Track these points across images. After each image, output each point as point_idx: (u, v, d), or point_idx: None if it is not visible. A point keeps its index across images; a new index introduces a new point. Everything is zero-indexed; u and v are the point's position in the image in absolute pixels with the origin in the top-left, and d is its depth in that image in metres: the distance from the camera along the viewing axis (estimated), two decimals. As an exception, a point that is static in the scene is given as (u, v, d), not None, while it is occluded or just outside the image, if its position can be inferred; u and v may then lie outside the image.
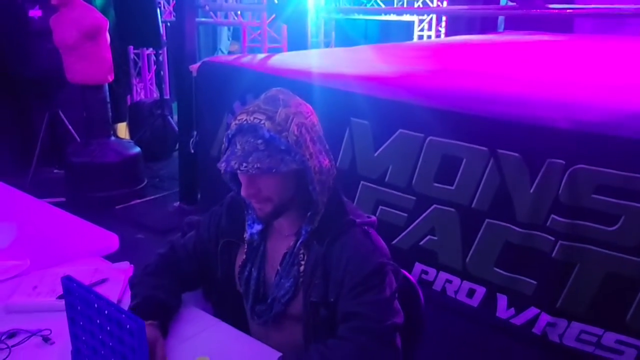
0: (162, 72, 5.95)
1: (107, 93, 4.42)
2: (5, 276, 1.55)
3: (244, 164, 1.17)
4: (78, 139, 4.79)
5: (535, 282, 2.50)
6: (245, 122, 1.20)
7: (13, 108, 4.89)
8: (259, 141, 1.18)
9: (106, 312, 0.95)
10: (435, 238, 2.77)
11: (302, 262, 1.27)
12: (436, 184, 2.72)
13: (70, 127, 4.83)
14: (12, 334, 1.28)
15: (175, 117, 5.54)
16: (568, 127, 2.31)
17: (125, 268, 1.58)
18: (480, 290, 2.69)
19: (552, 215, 2.39)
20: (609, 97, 2.24)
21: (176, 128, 5.35)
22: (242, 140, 1.20)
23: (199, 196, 4.17)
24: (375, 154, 2.89)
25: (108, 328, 0.96)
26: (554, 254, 2.40)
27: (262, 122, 1.18)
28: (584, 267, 2.34)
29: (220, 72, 3.75)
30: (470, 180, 2.61)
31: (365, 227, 1.28)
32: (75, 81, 4.16)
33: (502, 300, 2.63)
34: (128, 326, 0.91)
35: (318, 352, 1.14)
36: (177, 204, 4.23)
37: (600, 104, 2.25)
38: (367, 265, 1.22)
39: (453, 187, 2.67)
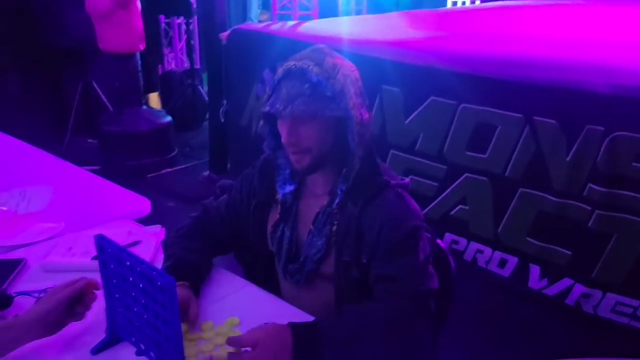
0: (192, 42, 5.95)
1: (139, 62, 4.44)
2: (41, 237, 1.58)
3: (290, 106, 1.17)
4: (111, 109, 4.85)
5: (569, 253, 2.45)
6: (293, 66, 1.20)
7: (47, 78, 4.96)
8: (306, 85, 1.18)
9: (138, 269, 0.96)
10: (467, 207, 2.73)
11: (335, 222, 1.26)
12: (468, 152, 2.67)
13: (103, 96, 4.89)
14: (47, 292, 1.31)
15: (206, 86, 5.55)
16: (608, 92, 2.22)
17: (158, 231, 1.60)
18: (512, 261, 2.66)
19: (590, 184, 2.32)
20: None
21: (206, 98, 5.37)
22: (288, 85, 1.19)
23: (228, 165, 4.20)
24: (406, 122, 2.85)
25: (140, 286, 0.97)
26: (590, 224, 2.34)
27: (311, 67, 1.18)
28: (621, 237, 2.28)
29: (250, 40, 3.73)
30: (504, 148, 2.55)
31: (400, 190, 1.26)
32: (107, 49, 4.19)
33: (534, 270, 2.59)
34: (159, 283, 0.91)
35: (353, 314, 1.13)
36: (206, 172, 4.26)
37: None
38: (402, 228, 1.20)
39: (486, 156, 2.62)
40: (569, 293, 2.48)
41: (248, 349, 1.03)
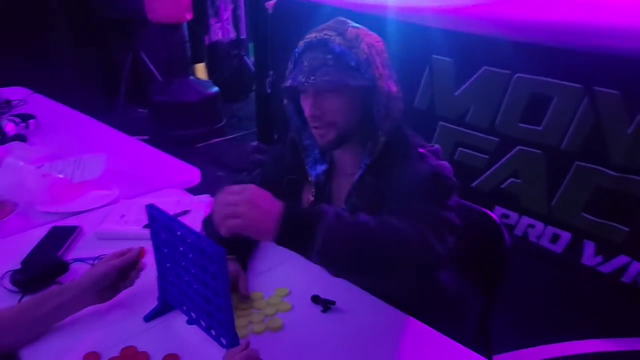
0: (238, 12, 5.93)
1: (186, 32, 4.46)
2: (97, 204, 1.62)
3: (312, 77, 1.12)
4: (160, 79, 4.91)
5: (627, 229, 2.35)
6: (314, 38, 1.15)
7: (98, 49, 5.06)
8: (329, 56, 1.13)
9: (188, 239, 0.97)
10: (519, 181, 2.65)
11: (359, 195, 1.22)
12: (522, 124, 2.58)
13: (151, 66, 4.96)
14: (101, 259, 1.34)
15: (252, 57, 5.54)
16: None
17: (207, 201, 1.61)
18: (565, 236, 2.58)
19: (652, 158, 2.21)
20: None
21: (253, 68, 5.36)
22: (310, 57, 1.15)
23: (275, 135, 4.20)
24: (456, 93, 2.77)
25: (190, 255, 0.98)
26: (651, 200, 2.24)
27: (332, 37, 1.13)
28: (685, 214, 2.16)
29: (296, 9, 3.67)
30: (560, 120, 2.45)
31: (426, 154, 1.18)
32: (156, 19, 4.23)
33: (589, 246, 2.51)
34: (209, 253, 0.91)
35: (374, 219, 0.97)
36: (255, 143, 4.28)
37: None
38: (421, 169, 1.11)
39: (541, 128, 2.52)
40: (625, 271, 2.39)
41: None
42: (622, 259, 2.39)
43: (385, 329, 1.10)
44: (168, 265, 1.08)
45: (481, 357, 1.02)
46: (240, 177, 1.53)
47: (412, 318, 1.12)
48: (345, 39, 1.13)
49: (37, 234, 1.45)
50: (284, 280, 1.25)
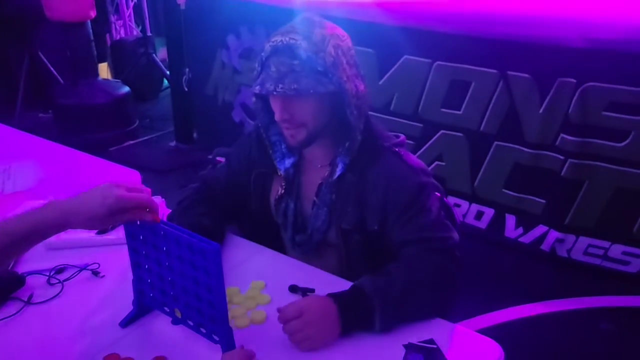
0: (141, 9, 5.71)
1: (90, 31, 4.24)
2: (35, 215, 1.52)
3: (280, 86, 1.13)
4: (61, 81, 4.63)
5: (544, 201, 2.56)
6: (280, 42, 1.16)
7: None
8: (295, 62, 1.14)
9: (175, 238, 0.95)
10: (443, 163, 2.79)
11: (334, 192, 1.26)
12: (444, 110, 2.72)
13: (52, 68, 4.65)
14: (60, 270, 1.27)
15: (159, 54, 5.36)
16: (579, 45, 2.30)
17: (159, 202, 1.56)
18: (489, 212, 2.76)
19: (562, 135, 2.42)
20: (620, 13, 2.22)
21: (162, 66, 5.19)
22: (277, 62, 1.15)
23: (194, 135, 4.11)
24: (380, 82, 2.86)
25: (177, 254, 0.96)
26: (563, 173, 2.45)
27: (299, 42, 1.14)
28: (593, 183, 2.40)
29: (210, 4, 3.61)
30: (478, 104, 2.62)
31: (396, 149, 1.26)
32: (56, 18, 3.97)
33: (510, 220, 2.70)
34: (202, 250, 0.90)
35: (400, 270, 1.12)
36: (173, 143, 4.16)
37: (612, 21, 2.23)
38: (407, 188, 1.21)
39: (461, 112, 2.68)
40: (543, 239, 2.60)
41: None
42: (541, 229, 2.60)
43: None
44: (146, 267, 1.05)
45: (448, 322, 1.10)
46: (203, 172, 1.50)
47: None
48: (312, 43, 1.14)
49: (-23, 250, 1.34)
50: (257, 274, 1.25)
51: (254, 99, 1.30)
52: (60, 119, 4.21)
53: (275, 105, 1.20)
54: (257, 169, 1.36)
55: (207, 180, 1.45)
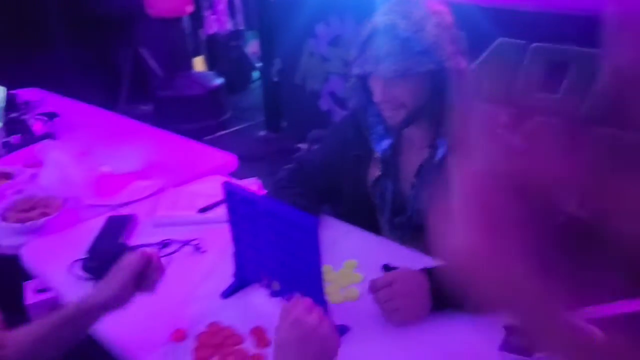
0: (234, 2, 5.89)
1: (186, 26, 4.44)
2: (142, 195, 1.63)
3: (380, 67, 1.14)
4: (160, 74, 4.89)
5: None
6: (379, 23, 1.16)
7: (96, 47, 5.02)
8: (395, 42, 1.14)
9: (273, 212, 0.99)
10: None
11: (439, 174, 1.25)
12: (540, 94, 2.61)
13: (151, 62, 4.93)
14: (165, 244, 1.36)
15: (249, 47, 5.52)
16: None
17: (255, 183, 1.62)
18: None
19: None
20: None
21: (252, 59, 5.35)
22: (376, 43, 1.16)
23: (283, 124, 4.21)
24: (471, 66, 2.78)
25: (275, 228, 1.00)
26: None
27: (398, 22, 1.14)
28: None
29: (300, -5, 3.67)
30: (578, 87, 2.48)
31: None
32: (156, 14, 4.20)
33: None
34: (301, 224, 0.93)
35: None
36: (262, 132, 4.29)
37: None
38: None
39: (558, 96, 2.55)
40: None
41: None
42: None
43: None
44: (246, 241, 1.10)
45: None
46: (298, 154, 1.55)
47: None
48: (411, 22, 1.14)
49: (94, 225, 1.46)
50: (349, 253, 1.27)
51: (352, 80, 1.31)
52: (159, 110, 4.46)
53: (375, 87, 1.21)
54: (353, 151, 1.38)
55: (302, 162, 1.48)
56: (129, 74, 4.87)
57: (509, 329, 0.98)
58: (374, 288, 1.04)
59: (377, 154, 1.33)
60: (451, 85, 1.17)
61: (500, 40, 2.65)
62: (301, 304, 0.86)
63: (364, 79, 1.26)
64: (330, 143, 1.46)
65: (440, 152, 1.24)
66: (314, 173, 1.44)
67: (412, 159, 1.31)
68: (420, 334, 1.02)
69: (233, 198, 1.08)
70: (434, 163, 1.25)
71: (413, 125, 1.25)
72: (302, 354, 0.81)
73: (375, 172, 1.35)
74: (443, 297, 1.03)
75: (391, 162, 1.33)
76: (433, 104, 1.22)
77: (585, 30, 2.40)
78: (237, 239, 1.12)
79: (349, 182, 1.41)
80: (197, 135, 4.33)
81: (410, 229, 1.32)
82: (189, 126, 4.32)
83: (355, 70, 1.21)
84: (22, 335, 0.93)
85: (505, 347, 0.94)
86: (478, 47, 2.74)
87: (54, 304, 1.87)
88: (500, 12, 2.61)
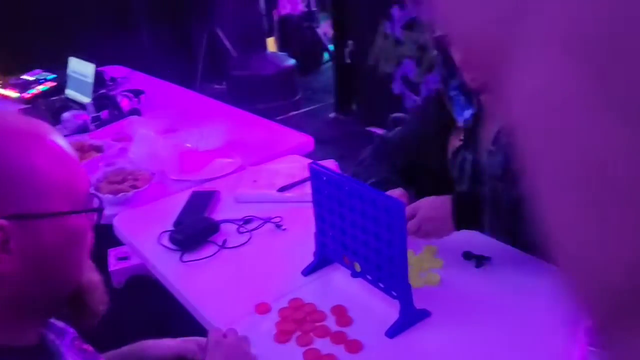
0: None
1: (262, 6, 4.50)
2: (223, 172, 1.69)
3: None
4: (234, 54, 4.98)
5: None
6: None
7: (175, 27, 5.17)
8: None
9: (360, 193, 1.00)
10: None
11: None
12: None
13: (226, 42, 5.03)
14: (247, 220, 1.41)
15: (321, 28, 5.53)
16: None
17: (333, 164, 1.64)
18: None
19: None
20: None
21: (324, 40, 5.35)
22: None
23: (354, 106, 4.21)
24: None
25: (360, 209, 1.01)
26: None
27: None
28: None
29: (376, -24, 3.64)
30: None
31: None
32: (233, -4, 4.28)
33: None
34: (387, 205, 0.94)
35: None
36: (332, 114, 4.31)
37: None
38: None
39: None
40: None
41: None
42: None
43: (538, 281, 1.10)
44: (329, 221, 1.12)
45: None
46: (380, 135, 1.56)
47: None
48: None
49: (179, 199, 1.53)
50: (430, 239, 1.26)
51: (435, 52, 1.33)
52: (233, 89, 4.56)
53: (454, 52, 1.21)
54: (434, 126, 1.39)
55: (385, 140, 1.50)
56: (205, 53, 4.99)
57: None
58: None
59: (460, 123, 1.33)
60: None
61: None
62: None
63: (446, 50, 1.26)
64: (412, 121, 1.47)
65: None
66: (396, 151, 1.45)
67: (491, 129, 1.29)
68: (500, 322, 1.01)
69: (318, 178, 1.10)
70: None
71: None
72: None
73: (454, 143, 1.36)
74: (463, 219, 1.15)
75: (472, 131, 1.33)
76: None
77: None
78: (320, 219, 1.14)
79: (428, 157, 1.42)
80: (269, 115, 4.39)
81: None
82: (261, 106, 4.40)
83: (438, 33, 1.21)
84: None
85: (594, 343, 0.92)
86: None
87: (133, 272, 1.98)
88: None
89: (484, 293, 1.09)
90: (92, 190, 0.76)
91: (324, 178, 1.08)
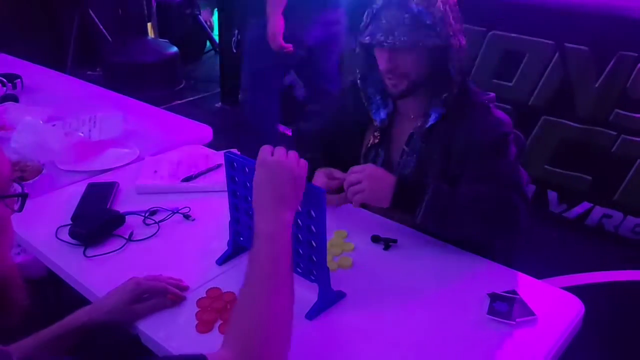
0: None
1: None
2: (120, 163, 1.62)
3: (390, 37, 1.20)
4: (110, 39, 4.72)
5: (589, 178, 2.58)
6: None
7: (42, 9, 4.76)
8: (406, 15, 1.21)
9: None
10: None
11: (425, 141, 1.32)
12: (495, 80, 2.73)
13: (101, 26, 4.74)
14: (153, 212, 1.37)
15: (202, 15, 5.40)
16: (642, 17, 2.28)
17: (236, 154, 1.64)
18: (530, 188, 2.78)
19: (617, 110, 2.43)
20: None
21: (207, 28, 5.24)
22: (388, 15, 1.22)
23: (239, 97, 4.18)
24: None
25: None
26: (614, 149, 2.47)
27: None
28: (646, 161, 2.41)
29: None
30: (531, 76, 2.62)
31: (487, 103, 1.31)
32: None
33: (552, 196, 2.73)
34: (309, 193, 0.97)
35: (466, 189, 1.21)
36: (219, 104, 4.25)
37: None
38: (491, 134, 1.26)
39: (511, 84, 2.69)
40: (588, 215, 2.63)
41: None
42: (585, 205, 2.63)
43: (440, 261, 1.21)
44: (244, 208, 1.13)
45: (526, 275, 1.16)
46: (297, 126, 1.58)
47: (463, 251, 1.24)
48: None
49: (73, 192, 1.45)
50: (339, 223, 1.32)
51: (357, 49, 1.37)
52: (110, 76, 4.32)
53: (381, 57, 1.27)
54: (352, 118, 1.44)
55: (301, 132, 1.52)
56: (76, 37, 4.66)
57: (494, 296, 1.07)
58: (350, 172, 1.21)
59: (376, 122, 1.39)
60: (451, 61, 1.24)
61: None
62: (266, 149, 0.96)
63: (369, 49, 1.32)
64: (329, 114, 1.50)
65: (431, 120, 1.31)
66: (312, 142, 1.48)
67: (405, 128, 1.37)
68: (411, 299, 1.09)
69: (234, 167, 1.10)
70: (424, 130, 1.32)
71: (411, 96, 1.32)
72: (273, 185, 0.92)
73: (370, 139, 1.41)
74: (400, 198, 1.20)
75: (387, 131, 1.40)
76: (433, 76, 1.29)
77: (540, 21, 2.54)
78: (234, 207, 1.15)
79: (344, 149, 1.45)
80: (150, 104, 4.25)
81: None
82: (141, 94, 4.21)
83: (365, 39, 1.26)
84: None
85: (491, 312, 1.03)
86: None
87: (29, 267, 1.83)
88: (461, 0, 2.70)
89: (393, 273, 1.17)
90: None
91: (240, 166, 1.09)
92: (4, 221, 0.65)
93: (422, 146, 1.33)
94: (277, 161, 0.94)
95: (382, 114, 1.38)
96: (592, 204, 2.61)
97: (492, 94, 1.36)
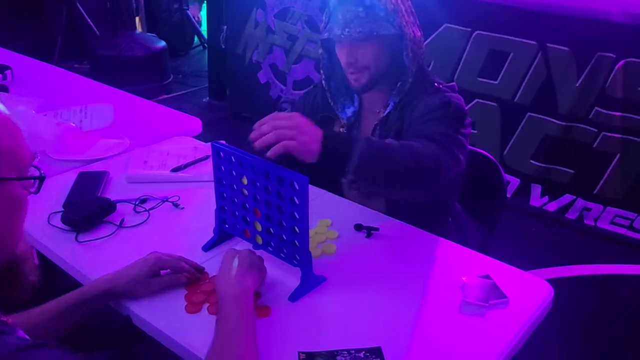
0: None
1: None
2: (110, 153, 1.65)
3: (347, 30, 1.28)
4: (97, 32, 4.72)
5: (572, 171, 2.66)
6: None
7: (29, 1, 4.75)
8: (360, 8, 1.28)
9: (263, 170, 1.06)
10: (475, 132, 2.88)
11: (383, 129, 1.38)
12: (480, 79, 2.80)
13: (89, 19, 4.74)
14: (143, 200, 1.41)
15: (190, 10, 5.41)
16: (621, 20, 2.36)
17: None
18: (515, 182, 2.86)
19: (597, 108, 2.50)
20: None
21: (195, 23, 5.26)
22: (343, 10, 1.29)
23: (227, 92, 4.21)
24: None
25: (263, 184, 1.07)
26: (595, 145, 2.54)
27: None
28: (625, 157, 2.48)
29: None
30: (515, 75, 2.69)
31: (440, 86, 1.36)
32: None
33: (535, 189, 2.81)
34: (291, 180, 1.02)
35: (397, 143, 1.18)
36: (206, 99, 4.27)
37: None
38: (435, 100, 1.30)
39: (497, 82, 2.76)
40: (569, 208, 2.71)
41: None
42: (567, 198, 2.71)
43: (419, 248, 1.26)
44: (230, 197, 1.17)
45: (495, 260, 1.22)
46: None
47: (441, 238, 1.29)
48: None
49: (64, 180, 1.48)
50: (323, 213, 1.37)
51: (320, 50, 1.43)
52: (98, 69, 4.32)
53: (341, 51, 1.33)
54: (321, 113, 1.49)
55: None
56: (63, 30, 4.66)
57: (469, 280, 1.12)
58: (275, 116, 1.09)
59: (343, 120, 1.45)
60: (405, 49, 1.31)
61: (445, 26, 2.81)
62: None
63: (330, 48, 1.38)
64: (300, 108, 1.55)
65: (388, 109, 1.37)
66: None
67: (371, 122, 1.43)
68: (390, 284, 1.14)
69: (220, 157, 1.14)
70: (382, 120, 1.38)
71: (374, 89, 1.37)
72: (240, 262, 1.02)
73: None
74: (332, 148, 1.09)
75: (354, 127, 1.46)
76: (393, 68, 1.35)
77: (524, 22, 2.61)
78: (220, 195, 1.19)
79: None
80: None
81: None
82: (129, 88, 4.20)
83: (325, 35, 1.33)
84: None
85: (466, 295, 1.09)
86: (425, 31, 2.89)
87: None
88: (447, 0, 2.77)
89: (374, 258, 1.22)
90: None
91: (227, 156, 1.13)
92: (22, 201, 0.70)
93: (381, 136, 1.38)
94: (243, 251, 1.06)
95: (348, 112, 1.46)
96: (574, 197, 2.69)
97: (453, 84, 1.41)
